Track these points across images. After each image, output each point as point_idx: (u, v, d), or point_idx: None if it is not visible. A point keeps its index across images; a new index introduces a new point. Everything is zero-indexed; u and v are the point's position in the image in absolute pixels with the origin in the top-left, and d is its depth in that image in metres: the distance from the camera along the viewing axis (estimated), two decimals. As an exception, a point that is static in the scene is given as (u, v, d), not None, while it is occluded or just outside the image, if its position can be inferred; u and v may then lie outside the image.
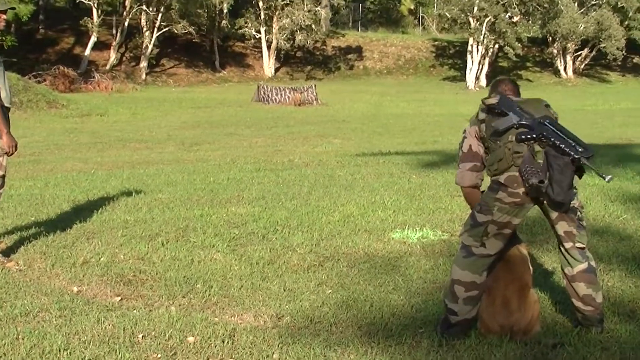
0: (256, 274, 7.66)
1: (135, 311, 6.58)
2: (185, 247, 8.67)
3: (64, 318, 6.40)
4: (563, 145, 5.72)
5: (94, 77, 54.17)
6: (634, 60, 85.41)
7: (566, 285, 6.16)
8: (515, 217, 5.95)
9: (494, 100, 6.06)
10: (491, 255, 6.01)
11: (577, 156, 5.71)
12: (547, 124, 5.83)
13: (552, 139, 5.74)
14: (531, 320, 6.02)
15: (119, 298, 7.01)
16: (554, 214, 5.97)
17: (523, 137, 5.78)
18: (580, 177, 5.93)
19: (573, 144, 5.75)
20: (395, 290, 7.09)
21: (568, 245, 6.03)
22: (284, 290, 7.15)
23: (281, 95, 46.65)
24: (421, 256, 8.26)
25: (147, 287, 7.29)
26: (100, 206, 11.15)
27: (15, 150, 8.03)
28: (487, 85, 69.17)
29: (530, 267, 6.23)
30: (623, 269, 7.62)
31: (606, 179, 5.89)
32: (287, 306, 6.70)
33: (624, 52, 76.99)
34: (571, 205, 5.95)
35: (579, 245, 6.04)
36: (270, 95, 46.72)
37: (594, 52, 79.77)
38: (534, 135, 5.78)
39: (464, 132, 6.33)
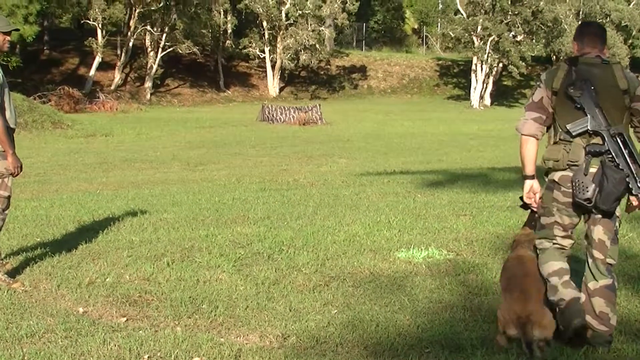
0: (262, 294, 7.65)
1: (141, 332, 6.57)
2: (191, 267, 8.65)
3: (70, 339, 6.39)
4: (628, 179, 5.83)
5: (98, 97, 54.28)
6: (638, 79, 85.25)
7: (584, 299, 6.11)
8: (575, 217, 6.15)
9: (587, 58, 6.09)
10: (565, 247, 6.23)
11: (634, 192, 5.88)
12: (619, 142, 5.88)
13: (618, 162, 5.84)
14: (547, 319, 6.02)
15: (125, 319, 7.00)
16: (595, 216, 6.03)
17: (592, 150, 5.88)
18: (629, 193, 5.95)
19: (635, 175, 5.84)
20: (401, 310, 7.08)
21: (599, 256, 6.08)
22: (290, 311, 7.13)
23: (286, 114, 46.74)
24: (427, 276, 8.24)
25: (153, 308, 7.28)
26: (105, 226, 11.14)
27: (21, 171, 8.04)
28: (491, 104, 69.29)
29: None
30: (629, 288, 7.60)
31: None
32: (293, 326, 6.68)
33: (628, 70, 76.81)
34: (614, 212, 6.03)
35: (609, 261, 6.12)
36: (274, 115, 46.81)
37: (598, 71, 79.54)
38: (603, 151, 5.87)
39: (540, 79, 6.22)
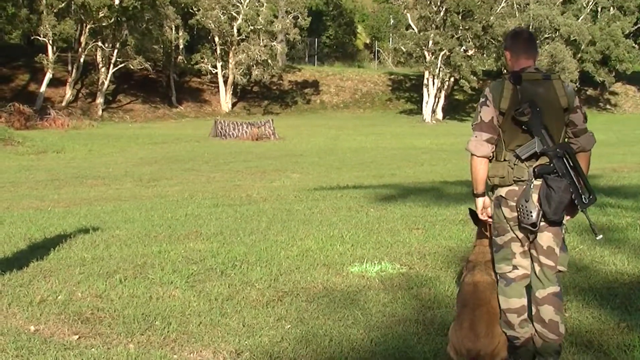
0: (215, 310, 7.63)
1: (93, 349, 6.53)
2: (144, 284, 8.61)
3: (21, 358, 6.34)
4: (572, 189, 5.98)
5: (49, 113, 53.84)
6: (588, 93, 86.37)
7: (533, 308, 6.20)
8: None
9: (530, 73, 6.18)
10: (528, 273, 6.20)
11: (580, 207, 6.06)
12: (564, 159, 6.03)
13: (567, 180, 5.98)
14: (498, 346, 6.08)
15: (77, 337, 6.95)
16: (541, 225, 6.06)
17: (542, 170, 5.99)
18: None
19: (580, 190, 6.02)
20: (354, 325, 7.09)
21: (548, 263, 6.14)
22: (243, 326, 7.13)
23: (238, 130, 46.72)
24: (380, 290, 8.27)
25: (105, 325, 7.24)
26: (57, 244, 11.05)
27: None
28: (443, 118, 69.71)
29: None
30: (580, 299, 7.68)
31: (597, 237, 6.19)
32: (246, 342, 6.68)
33: (577, 84, 77.78)
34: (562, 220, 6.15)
35: (560, 268, 6.20)
36: (227, 130, 46.77)
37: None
38: (551, 170, 6.00)
39: (484, 95, 6.24)
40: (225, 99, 70.43)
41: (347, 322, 7.19)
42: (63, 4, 59.80)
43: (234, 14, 68.45)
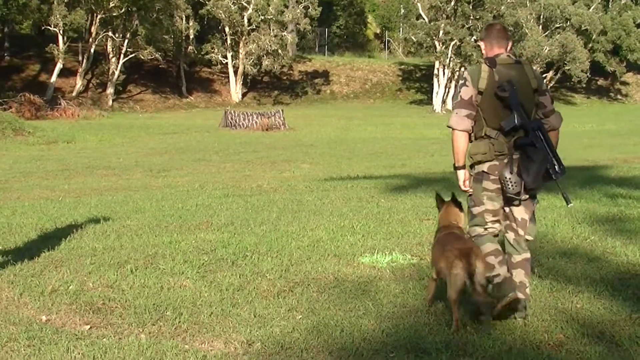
0: (226, 300, 7.63)
1: (104, 339, 6.54)
2: (155, 274, 8.62)
3: (33, 347, 6.34)
4: (544, 152, 6.69)
5: (60, 104, 53.93)
6: (599, 83, 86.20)
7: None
8: (500, 203, 6.95)
9: (506, 60, 6.95)
10: (497, 232, 7.05)
11: (554, 177, 6.78)
12: (538, 132, 6.71)
13: (542, 151, 6.67)
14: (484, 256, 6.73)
15: (88, 326, 6.96)
16: (522, 198, 6.86)
17: (520, 142, 6.71)
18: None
19: (553, 161, 6.74)
20: (365, 315, 7.09)
21: (520, 232, 6.96)
22: (254, 317, 7.12)
23: (248, 120, 46.70)
24: (391, 280, 8.26)
25: (117, 315, 7.25)
26: (68, 234, 11.06)
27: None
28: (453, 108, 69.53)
29: None
30: (591, 290, 7.65)
31: (568, 204, 6.99)
32: (257, 332, 6.68)
33: (588, 74, 77.68)
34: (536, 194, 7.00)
35: (528, 237, 7.01)
36: (237, 121, 46.76)
37: (558, 75, 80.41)
38: (529, 142, 6.69)
39: (464, 78, 6.99)
40: (235, 89, 70.44)
41: (359, 312, 7.18)
42: (74, -6, 59.85)
43: (245, 4, 68.41)
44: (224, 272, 8.69)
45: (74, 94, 60.81)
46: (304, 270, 8.73)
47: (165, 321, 7.04)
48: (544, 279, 8.08)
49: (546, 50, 75.29)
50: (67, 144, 36.53)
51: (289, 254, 9.55)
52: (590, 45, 79.96)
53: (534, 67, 6.92)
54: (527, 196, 6.88)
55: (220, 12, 67.17)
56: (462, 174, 7.09)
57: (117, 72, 62.64)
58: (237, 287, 8.06)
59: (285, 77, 76.45)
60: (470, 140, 6.96)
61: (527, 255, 7.00)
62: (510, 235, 7.00)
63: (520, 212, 6.95)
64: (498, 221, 7.01)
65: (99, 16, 60.78)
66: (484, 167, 6.88)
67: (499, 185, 6.83)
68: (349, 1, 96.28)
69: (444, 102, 70.36)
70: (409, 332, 6.59)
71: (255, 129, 45.15)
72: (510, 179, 6.69)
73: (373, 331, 6.68)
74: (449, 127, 6.97)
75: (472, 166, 7.00)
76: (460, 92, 6.93)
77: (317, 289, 7.96)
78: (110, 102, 61.86)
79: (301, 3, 71.76)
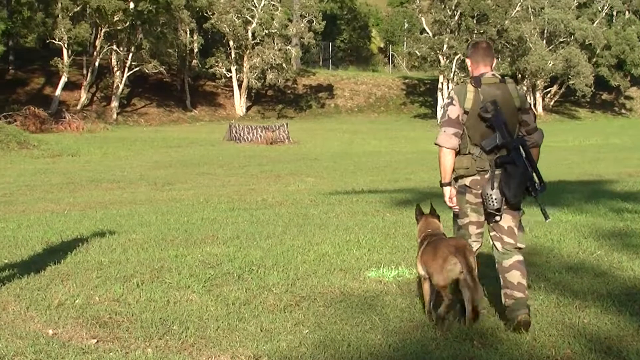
0: (233, 314, 7.63)
1: (111, 354, 6.54)
2: (161, 288, 8.62)
3: (40, 362, 6.35)
4: (527, 177, 7.04)
5: (64, 117, 54.01)
6: (603, 97, 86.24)
7: (501, 277, 7.24)
8: (483, 215, 7.27)
9: (491, 80, 7.21)
10: (477, 249, 7.31)
11: (533, 194, 7.14)
12: (520, 151, 7.04)
13: (521, 168, 7.00)
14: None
15: (95, 340, 6.96)
16: (507, 212, 7.19)
17: (502, 161, 7.02)
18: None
19: (533, 178, 7.10)
20: (372, 330, 7.08)
21: (509, 240, 7.24)
22: (261, 331, 7.12)
23: (253, 134, 46.74)
24: (397, 295, 8.26)
25: (123, 329, 7.24)
26: (74, 247, 11.07)
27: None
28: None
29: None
30: (598, 305, 7.65)
31: (547, 220, 7.30)
32: (264, 347, 6.67)
33: (592, 88, 77.77)
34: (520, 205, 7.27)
35: (520, 245, 7.29)
36: (242, 134, 46.79)
37: (563, 89, 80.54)
38: (510, 161, 7.00)
39: (450, 97, 7.26)
40: (239, 102, 70.52)
41: (365, 327, 7.18)
42: (78, 8, 60.03)
43: (249, 18, 68.55)
44: (230, 286, 8.69)
45: (78, 107, 60.88)
46: (310, 284, 8.73)
47: (172, 335, 7.04)
48: (551, 293, 8.07)
49: (550, 65, 75.41)
50: (72, 157, 36.56)
51: (295, 268, 9.55)
52: (594, 59, 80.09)
53: (518, 86, 7.44)
54: (508, 209, 7.18)
55: (225, 26, 67.29)
56: (447, 191, 7.36)
57: (121, 86, 62.72)
58: (243, 301, 8.06)
59: (289, 91, 76.52)
60: (456, 155, 7.25)
61: (520, 257, 7.24)
62: (498, 245, 7.29)
63: (506, 221, 7.23)
64: (482, 235, 7.35)
65: (103, 30, 60.90)
66: (466, 181, 7.23)
67: (481, 200, 7.15)
68: (353, 15, 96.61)
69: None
70: (415, 346, 6.59)
71: (260, 143, 45.18)
72: (491, 195, 7.01)
73: (380, 346, 6.67)
74: (437, 144, 7.26)
75: (455, 179, 7.32)
76: (447, 110, 7.23)
77: (324, 303, 7.96)
78: (114, 116, 61.93)
79: (305, 17, 71.90)
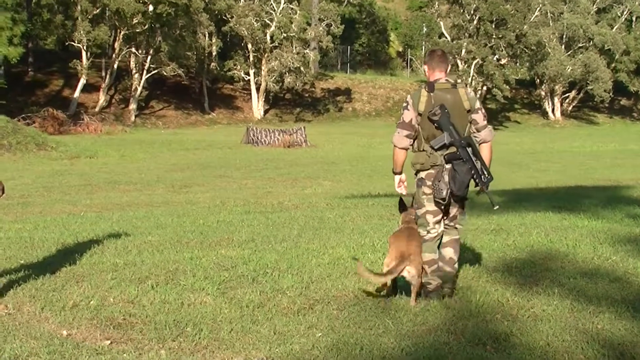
0: (246, 317, 7.64)
1: (125, 355, 6.56)
2: (175, 290, 8.63)
3: (54, 362, 6.37)
4: (473, 171, 7.90)
5: (83, 119, 54.23)
6: (621, 102, 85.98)
7: (439, 250, 8.28)
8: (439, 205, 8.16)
9: (442, 85, 8.08)
10: (438, 236, 8.25)
11: (479, 185, 8.00)
12: (467, 147, 7.90)
13: (469, 165, 7.89)
14: (420, 264, 8.07)
15: (109, 342, 6.98)
16: (452, 202, 8.14)
17: (451, 157, 7.91)
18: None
19: (480, 172, 7.94)
20: (385, 334, 7.08)
21: (451, 223, 8.28)
22: (274, 334, 7.12)
23: (270, 137, 46.81)
24: (409, 299, 8.24)
25: (137, 331, 7.26)
26: (89, 249, 11.11)
27: (3, 193, 7.98)
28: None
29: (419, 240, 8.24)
30: (612, 311, 7.61)
31: (494, 207, 8.24)
32: (277, 349, 6.68)
33: (611, 94, 77.59)
34: (466, 197, 8.21)
35: (459, 226, 8.35)
36: (259, 137, 46.85)
37: (581, 94, 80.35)
38: (458, 157, 7.88)
39: (406, 102, 8.15)
40: (257, 105, 70.59)
41: (378, 330, 7.18)
42: (98, 10, 60.29)
43: (267, 21, 68.65)
44: (245, 288, 8.69)
45: (96, 109, 61.09)
46: (324, 287, 8.73)
47: (186, 337, 7.05)
48: (565, 298, 8.05)
49: (569, 70, 75.26)
50: (90, 159, 36.67)
51: (309, 271, 9.55)
52: (613, 65, 79.88)
53: (469, 90, 8.21)
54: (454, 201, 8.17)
55: (243, 29, 67.37)
56: (397, 178, 8.47)
57: (139, 88, 62.90)
58: (257, 304, 8.06)
59: (307, 95, 76.55)
60: (413, 151, 8.23)
61: (456, 236, 8.34)
62: (445, 223, 8.29)
63: (453, 210, 8.25)
64: (439, 222, 8.24)
65: (122, 32, 61.11)
66: (422, 174, 8.16)
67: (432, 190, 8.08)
68: (371, 19, 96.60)
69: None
70: (428, 350, 6.58)
71: (277, 146, 45.24)
72: (438, 186, 7.94)
73: (393, 349, 6.67)
74: (392, 142, 8.25)
75: (415, 173, 8.27)
76: (403, 114, 8.13)
77: (337, 307, 7.96)
78: (132, 118, 62.10)
79: (324, 21, 71.92)
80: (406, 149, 8.19)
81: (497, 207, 8.34)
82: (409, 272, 8.01)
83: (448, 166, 7.94)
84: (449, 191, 7.92)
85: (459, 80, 8.52)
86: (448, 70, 8.27)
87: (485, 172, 7.98)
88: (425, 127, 8.00)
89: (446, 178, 7.91)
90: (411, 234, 8.26)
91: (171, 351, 6.71)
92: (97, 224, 14.49)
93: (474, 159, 7.91)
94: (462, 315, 7.60)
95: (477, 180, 7.97)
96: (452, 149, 7.92)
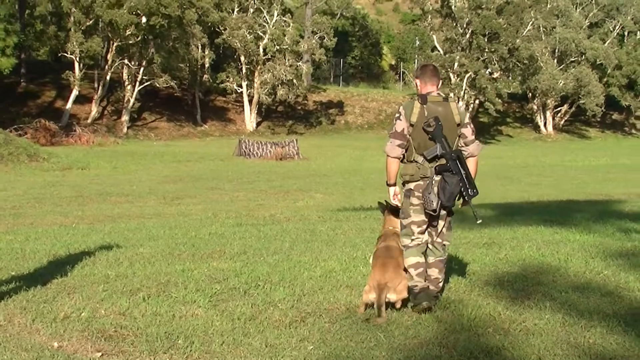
0: (238, 329, 7.63)
1: (116, 367, 6.54)
2: (167, 302, 8.61)
3: (44, 374, 6.35)
4: (461, 184, 8.08)
5: (75, 130, 54.21)
6: (613, 117, 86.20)
7: (426, 269, 8.42)
8: (425, 216, 8.31)
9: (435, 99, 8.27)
10: (423, 243, 8.39)
11: (466, 198, 8.19)
12: (457, 160, 8.08)
13: (457, 176, 8.07)
14: (401, 284, 8.12)
15: (100, 354, 6.96)
16: (440, 214, 8.29)
17: (441, 169, 8.09)
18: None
19: (467, 185, 8.10)
20: (377, 347, 7.07)
21: (438, 240, 8.42)
22: (266, 347, 7.11)
23: (263, 149, 46.83)
24: (403, 312, 8.24)
25: (129, 343, 7.24)
26: (81, 260, 11.08)
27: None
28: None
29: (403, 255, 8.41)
30: (604, 325, 7.62)
31: (477, 221, 8.57)
32: (269, 362, 6.67)
33: (603, 108, 77.78)
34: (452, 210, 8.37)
35: (446, 242, 8.53)
36: (251, 150, 46.88)
37: (573, 108, 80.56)
38: (448, 169, 8.06)
39: (399, 112, 8.33)
40: (249, 118, 70.65)
41: (370, 344, 7.17)
42: (90, 22, 60.37)
43: (260, 34, 68.77)
44: (236, 301, 8.68)
45: (89, 120, 61.11)
46: (316, 300, 8.71)
47: (177, 350, 7.04)
48: (557, 312, 8.05)
49: (561, 84, 75.46)
50: (82, 170, 36.64)
51: (301, 284, 9.54)
52: (605, 79, 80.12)
53: (460, 104, 8.70)
54: (445, 212, 8.32)
55: (236, 41, 67.44)
56: (392, 190, 8.53)
57: (132, 100, 62.95)
58: (249, 317, 8.05)
59: (299, 107, 76.66)
60: (402, 162, 8.32)
61: (442, 257, 8.49)
62: (430, 243, 8.45)
63: (441, 225, 8.41)
64: (423, 232, 8.39)
65: (115, 44, 61.17)
66: (411, 185, 8.30)
67: (422, 202, 8.19)
68: (364, 32, 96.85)
69: (458, 134, 70.28)
70: (420, 364, 6.58)
71: (269, 158, 45.26)
72: (429, 197, 8.07)
73: (384, 363, 6.66)
74: (384, 152, 8.38)
75: (403, 184, 8.41)
76: (395, 124, 8.28)
77: (329, 320, 7.95)
78: (125, 130, 62.11)
79: (317, 33, 72.08)
80: (399, 159, 8.29)
81: (480, 220, 8.65)
82: (391, 299, 8.07)
83: (437, 178, 8.12)
84: (439, 202, 8.08)
85: (450, 95, 8.59)
86: (439, 85, 8.45)
87: (471, 187, 8.17)
88: (416, 137, 8.17)
89: (435, 190, 8.08)
90: (387, 257, 8.40)
91: (162, 363, 6.69)
92: (88, 235, 14.47)
93: (463, 172, 8.10)
94: (454, 328, 7.60)
95: (464, 194, 8.16)
96: (442, 161, 8.11)
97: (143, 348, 7.07)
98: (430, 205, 8.06)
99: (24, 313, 8.20)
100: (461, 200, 8.30)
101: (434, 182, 8.11)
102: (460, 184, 8.08)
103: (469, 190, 8.12)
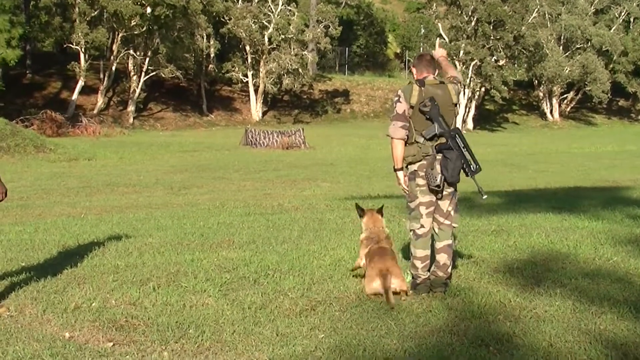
0: (248, 318, 7.63)
1: (127, 357, 6.56)
2: (177, 292, 8.63)
3: (57, 364, 6.36)
4: (462, 160, 8.26)
5: (81, 121, 54.21)
6: (619, 103, 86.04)
7: (435, 255, 8.56)
8: (432, 196, 8.42)
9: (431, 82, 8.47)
10: (429, 229, 8.50)
11: (468, 174, 8.32)
12: (457, 137, 8.28)
13: (458, 153, 8.24)
14: (402, 275, 8.39)
15: (111, 344, 6.97)
16: (444, 193, 8.42)
17: (441, 147, 8.25)
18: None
19: (469, 161, 8.30)
20: (388, 335, 7.07)
21: (446, 222, 8.50)
22: (277, 335, 7.12)
23: (269, 139, 46.81)
24: (413, 300, 8.25)
25: (140, 333, 7.26)
26: (90, 251, 11.11)
27: (5, 196, 7.98)
28: (474, 128, 69.49)
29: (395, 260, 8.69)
30: (615, 312, 7.61)
31: (483, 197, 8.60)
32: (280, 351, 6.68)
33: (609, 95, 77.62)
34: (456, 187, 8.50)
35: (454, 225, 8.61)
36: (258, 139, 46.86)
37: (579, 95, 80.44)
38: (448, 147, 8.22)
39: (398, 95, 8.50)
40: (255, 107, 70.61)
41: (381, 332, 7.17)
42: (96, 13, 60.34)
43: (265, 23, 68.68)
44: (246, 290, 8.69)
45: (95, 111, 61.10)
46: (326, 289, 8.72)
47: (188, 339, 7.05)
48: (567, 299, 8.05)
49: (567, 71, 75.32)
50: (88, 161, 36.67)
51: (310, 272, 9.55)
52: (611, 66, 79.96)
53: (455, 85, 8.64)
54: (449, 190, 8.44)
55: (241, 31, 67.37)
56: (400, 175, 8.58)
57: (138, 90, 62.92)
58: (259, 306, 8.06)
59: (305, 96, 76.58)
60: (405, 145, 8.46)
61: (449, 241, 8.55)
62: (436, 226, 8.54)
63: (445, 205, 8.49)
64: (431, 214, 8.48)
65: (120, 34, 61.14)
66: (415, 166, 8.44)
67: (426, 180, 8.32)
68: (369, 21, 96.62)
69: (464, 121, 70.29)
70: (431, 351, 6.58)
71: (276, 148, 45.26)
72: (432, 174, 8.19)
73: (395, 351, 6.67)
74: (388, 135, 8.53)
75: (406, 166, 8.54)
76: (396, 107, 8.46)
77: (340, 308, 7.96)
78: (131, 120, 62.11)
79: (322, 22, 71.94)
80: (403, 140, 8.42)
81: (485, 196, 8.67)
82: (394, 283, 8.20)
83: (439, 156, 8.27)
84: (442, 177, 8.21)
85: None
86: (436, 74, 8.64)
87: (474, 162, 8.36)
88: (416, 119, 8.35)
89: (438, 167, 8.21)
90: (383, 253, 8.64)
91: (174, 353, 6.71)
92: (97, 226, 14.49)
93: (463, 148, 8.29)
94: (465, 316, 7.60)
95: (466, 170, 8.32)
96: (442, 140, 8.28)
97: (154, 338, 7.09)
98: (434, 181, 8.19)
99: (35, 304, 8.22)
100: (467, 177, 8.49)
101: (436, 160, 8.25)
102: (462, 159, 8.25)
103: (471, 166, 8.32)
